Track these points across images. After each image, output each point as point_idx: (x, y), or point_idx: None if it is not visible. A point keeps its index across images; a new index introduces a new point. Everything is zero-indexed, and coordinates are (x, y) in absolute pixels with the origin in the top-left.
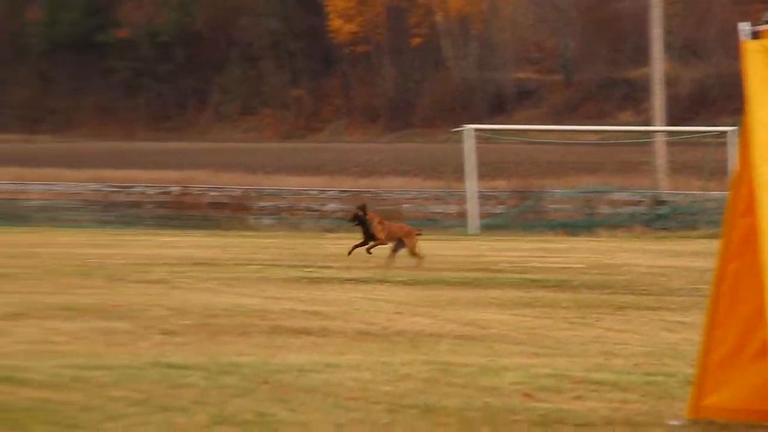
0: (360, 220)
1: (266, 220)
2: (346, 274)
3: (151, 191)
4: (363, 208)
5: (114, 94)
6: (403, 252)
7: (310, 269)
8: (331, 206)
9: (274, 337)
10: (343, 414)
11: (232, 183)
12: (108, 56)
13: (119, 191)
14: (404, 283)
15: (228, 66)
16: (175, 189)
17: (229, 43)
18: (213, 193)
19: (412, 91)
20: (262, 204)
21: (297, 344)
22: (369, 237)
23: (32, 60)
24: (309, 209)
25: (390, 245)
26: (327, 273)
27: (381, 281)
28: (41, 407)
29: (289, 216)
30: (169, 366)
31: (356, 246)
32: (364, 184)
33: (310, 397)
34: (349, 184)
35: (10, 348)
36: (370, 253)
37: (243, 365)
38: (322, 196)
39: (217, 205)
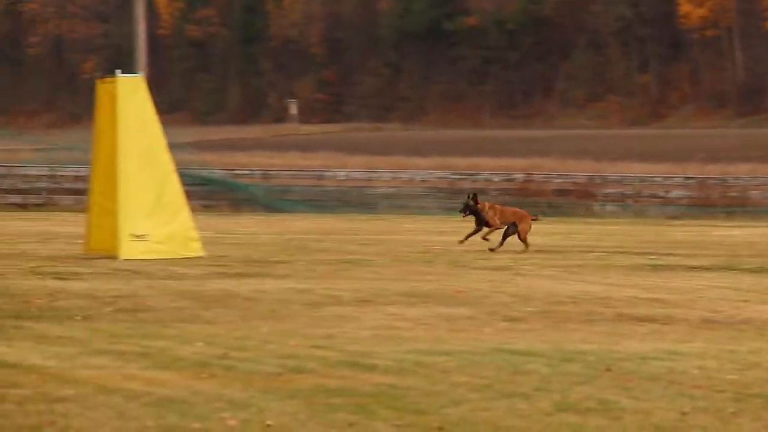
0: (471, 209)
1: (610, 207)
2: (690, 262)
3: (495, 178)
4: (474, 197)
5: (461, 82)
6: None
7: (653, 257)
8: (676, 193)
9: (617, 325)
10: (687, 402)
11: (577, 170)
12: (456, 44)
13: (464, 178)
14: (751, 270)
15: (574, 53)
16: (519, 176)
17: (577, 29)
18: (557, 180)
19: (763, 76)
20: (606, 191)
21: (640, 332)
22: (483, 224)
23: (382, 50)
24: (653, 196)
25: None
26: (671, 260)
27: (726, 269)
28: (385, 392)
29: (633, 203)
30: (512, 352)
31: (469, 234)
32: (709, 170)
33: (653, 385)
34: (694, 170)
35: (356, 333)
36: (486, 239)
37: (586, 353)
38: (667, 183)
39: (561, 192)
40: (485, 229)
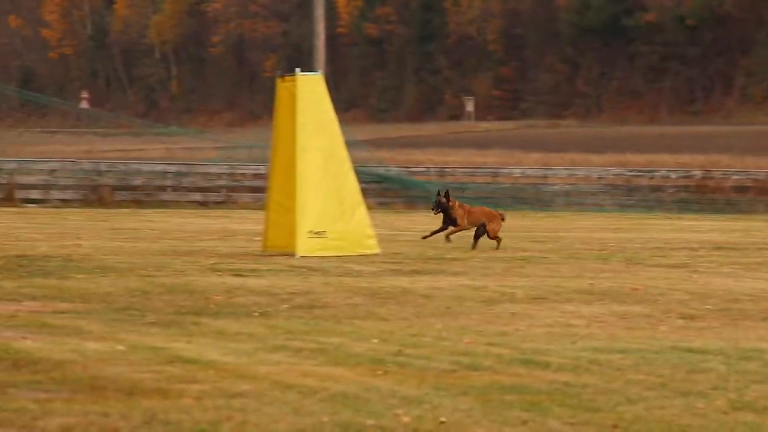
0: (442, 206)
1: None
2: None
3: (673, 175)
4: (446, 194)
5: (639, 78)
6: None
7: None
8: None
9: None
10: None
11: (756, 166)
12: (634, 41)
13: (641, 175)
14: None
15: (755, 48)
16: (697, 173)
17: (758, 24)
18: (736, 177)
19: None
20: None
21: None
22: (450, 223)
23: (560, 46)
24: None
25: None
26: None
27: None
28: (559, 390)
29: None
30: (688, 350)
31: (435, 231)
32: None
33: None
34: None
35: (530, 331)
36: (449, 241)
37: (764, 351)
38: None
39: (740, 189)
40: (450, 228)
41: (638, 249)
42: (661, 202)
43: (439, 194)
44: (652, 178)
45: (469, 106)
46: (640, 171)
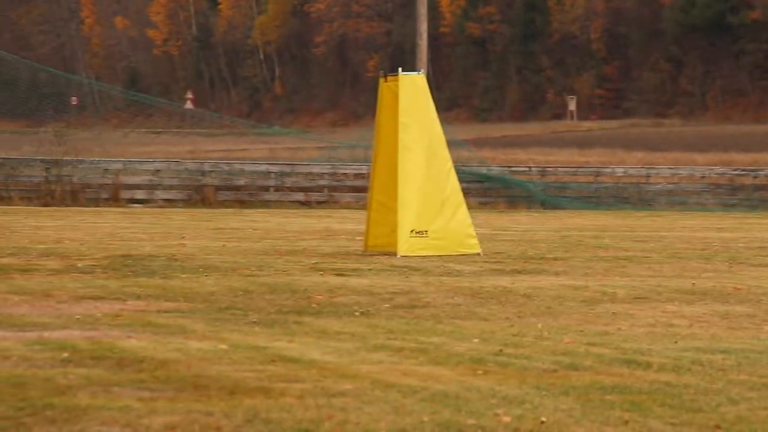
0: None
1: None
2: None
3: None
4: None
5: (744, 76)
6: None
7: None
8: None
9: None
10: None
11: None
12: (740, 39)
13: (745, 174)
14: None
15: None
16: None
17: None
18: None
19: None
20: None
21: None
22: None
23: (664, 44)
24: None
25: None
26: None
27: None
28: (661, 390)
29: None
30: None
31: None
32: None
33: None
34: None
35: (632, 331)
36: None
37: None
38: None
39: None
40: None
41: (741, 248)
42: (765, 201)
43: None
44: (756, 177)
45: (572, 105)
46: (744, 170)
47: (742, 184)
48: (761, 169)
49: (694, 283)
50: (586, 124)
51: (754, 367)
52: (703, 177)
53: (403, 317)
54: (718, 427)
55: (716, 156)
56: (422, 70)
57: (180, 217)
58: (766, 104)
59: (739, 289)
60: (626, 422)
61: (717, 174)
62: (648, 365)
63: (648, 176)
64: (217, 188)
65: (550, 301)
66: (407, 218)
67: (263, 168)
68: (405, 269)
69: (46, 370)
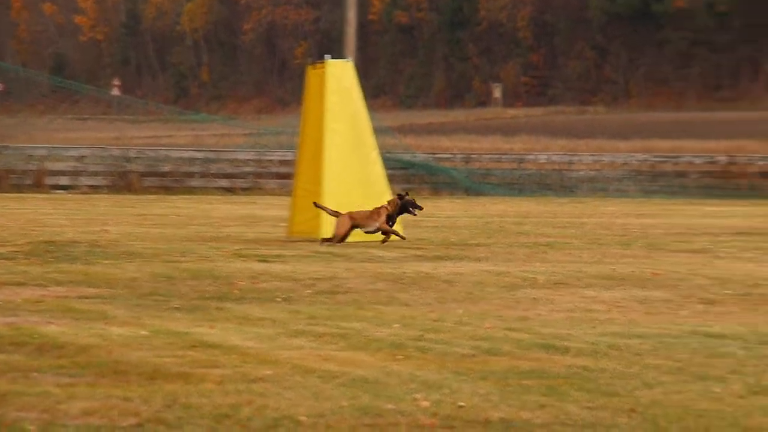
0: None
1: None
2: None
3: (697, 161)
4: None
5: (667, 65)
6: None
7: None
8: None
9: None
10: None
11: None
12: (663, 27)
13: (666, 161)
14: None
15: None
16: (722, 159)
17: None
18: (761, 163)
19: None
20: None
21: None
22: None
23: (589, 32)
24: None
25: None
26: None
27: None
28: (578, 374)
29: None
30: (708, 335)
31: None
32: None
33: None
34: None
35: (551, 316)
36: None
37: None
38: None
39: (764, 175)
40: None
41: (660, 235)
42: (684, 187)
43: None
44: (676, 164)
45: (497, 93)
46: (665, 157)
47: (662, 171)
48: (681, 156)
49: (613, 269)
50: (511, 112)
51: (669, 352)
52: (625, 164)
53: (325, 303)
54: (633, 410)
55: (639, 143)
56: (350, 58)
57: (104, 203)
58: (687, 92)
59: (657, 274)
60: (543, 406)
61: (638, 161)
62: (566, 350)
63: (570, 163)
64: (142, 174)
65: (471, 287)
66: (331, 204)
67: (188, 155)
68: (328, 255)
69: None
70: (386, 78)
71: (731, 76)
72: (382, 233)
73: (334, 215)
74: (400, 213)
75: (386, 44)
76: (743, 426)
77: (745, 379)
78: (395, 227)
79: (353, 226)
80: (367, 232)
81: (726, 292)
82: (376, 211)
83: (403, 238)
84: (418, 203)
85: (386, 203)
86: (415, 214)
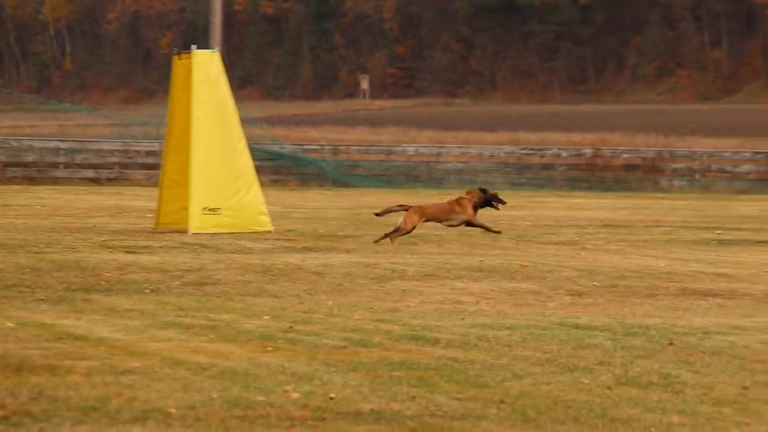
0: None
1: (677, 182)
2: (756, 237)
3: (564, 153)
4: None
5: (532, 57)
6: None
7: (720, 231)
8: (744, 168)
9: (680, 300)
10: (749, 377)
11: (646, 145)
12: (529, 20)
13: (533, 153)
14: None
15: (647, 28)
16: (587, 151)
17: (650, 4)
18: (625, 155)
19: None
20: (674, 166)
21: (704, 306)
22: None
23: (455, 25)
24: (721, 171)
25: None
26: (737, 235)
27: None
28: (448, 365)
29: (701, 178)
30: (575, 327)
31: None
32: None
33: (715, 360)
34: (764, 145)
35: (420, 308)
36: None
37: (649, 327)
38: (736, 157)
39: (629, 167)
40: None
41: (528, 227)
42: (551, 180)
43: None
44: (543, 156)
45: (364, 84)
46: (531, 149)
47: (529, 163)
48: (548, 149)
49: (481, 261)
50: (379, 103)
51: (538, 343)
52: (492, 156)
53: (194, 294)
54: (502, 401)
55: (505, 135)
56: (216, 48)
57: None
58: (552, 85)
59: (525, 266)
60: (413, 398)
61: (505, 153)
62: (436, 341)
63: (438, 155)
64: (5, 165)
65: (341, 279)
66: (199, 195)
67: (53, 144)
68: (196, 247)
69: None
70: (253, 69)
71: (595, 69)
72: (470, 226)
73: (400, 210)
74: (482, 207)
75: (253, 35)
76: (611, 416)
77: (613, 370)
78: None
79: (429, 220)
80: (449, 226)
81: (593, 283)
82: (458, 203)
83: (498, 232)
84: (501, 198)
85: (465, 194)
86: (498, 209)
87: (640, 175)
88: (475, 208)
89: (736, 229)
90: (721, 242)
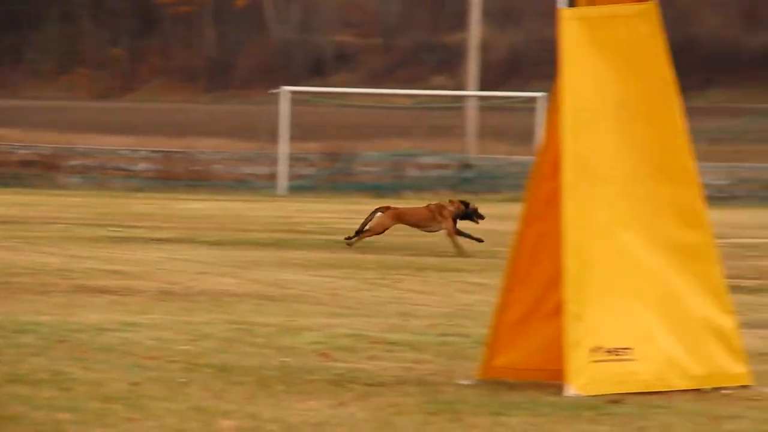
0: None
1: (75, 179)
2: (151, 234)
3: None
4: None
5: None
6: None
7: (114, 228)
8: (142, 166)
9: (74, 297)
10: (140, 373)
11: (43, 141)
12: None
13: None
14: (209, 243)
15: (45, 24)
16: None
17: (49, 1)
18: (22, 152)
19: (232, 53)
20: (71, 163)
21: (97, 303)
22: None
23: None
24: (118, 169)
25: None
26: (132, 232)
27: (186, 241)
28: None
29: (99, 175)
30: None
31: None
32: (176, 144)
33: (107, 356)
34: (161, 144)
35: None
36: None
37: (41, 324)
38: (133, 155)
39: (26, 164)
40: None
41: None
42: None
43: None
44: None
45: None
46: None
47: None
48: None
49: None
50: None
51: None
52: None
53: None
54: None
55: None
56: None
57: None
58: None
59: None
60: None
61: None
62: None
63: None
64: None
65: None
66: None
67: None
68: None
69: None
70: None
71: None
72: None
73: (375, 211)
74: (462, 219)
75: None
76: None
77: (2, 368)
78: None
79: (406, 224)
80: (428, 231)
81: None
82: (438, 210)
83: (480, 240)
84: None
85: (447, 203)
86: (477, 223)
87: (36, 172)
88: (453, 220)
89: (133, 226)
90: (115, 239)
